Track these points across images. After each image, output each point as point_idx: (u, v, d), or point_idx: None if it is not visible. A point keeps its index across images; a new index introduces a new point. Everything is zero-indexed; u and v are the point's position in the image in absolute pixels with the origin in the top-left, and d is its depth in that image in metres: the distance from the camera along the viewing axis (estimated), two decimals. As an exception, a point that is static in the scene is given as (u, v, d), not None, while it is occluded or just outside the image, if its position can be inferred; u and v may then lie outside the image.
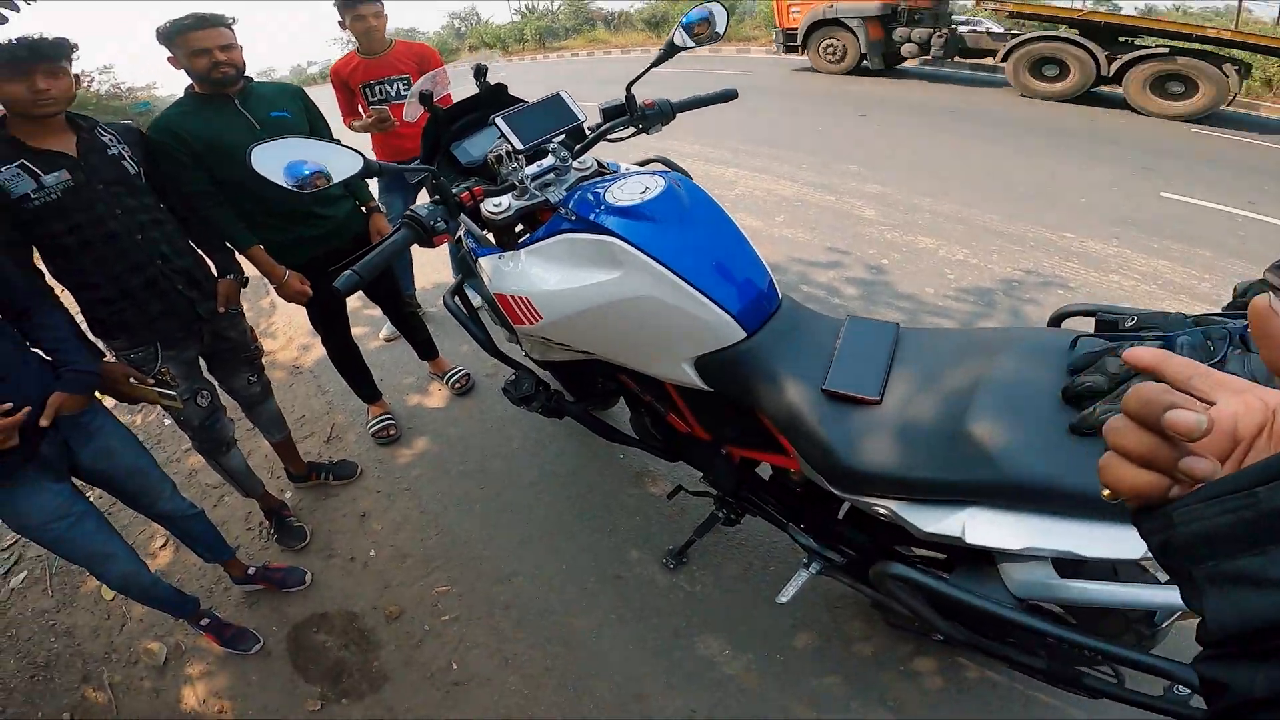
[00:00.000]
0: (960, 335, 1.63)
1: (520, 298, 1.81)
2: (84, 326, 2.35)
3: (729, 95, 2.31)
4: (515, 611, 2.61)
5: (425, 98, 2.22)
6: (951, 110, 9.57)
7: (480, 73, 2.28)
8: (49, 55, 2.07)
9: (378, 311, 3.97)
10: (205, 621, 2.67)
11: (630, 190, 1.68)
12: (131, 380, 2.32)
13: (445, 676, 2.47)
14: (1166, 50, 9.87)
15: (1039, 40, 11.02)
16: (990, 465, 1.27)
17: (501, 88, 2.35)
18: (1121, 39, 10.61)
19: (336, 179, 1.51)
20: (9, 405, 1.83)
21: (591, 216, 1.67)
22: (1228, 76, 9.32)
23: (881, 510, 1.47)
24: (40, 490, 2.04)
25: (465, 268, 2.23)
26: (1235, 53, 9.92)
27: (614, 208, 1.65)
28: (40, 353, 2.09)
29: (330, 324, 3.29)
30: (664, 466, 2.99)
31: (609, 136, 2.18)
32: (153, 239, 2.39)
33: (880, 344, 1.62)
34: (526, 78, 19.56)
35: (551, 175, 1.97)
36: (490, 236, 1.95)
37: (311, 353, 4.63)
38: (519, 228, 2.02)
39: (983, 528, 1.30)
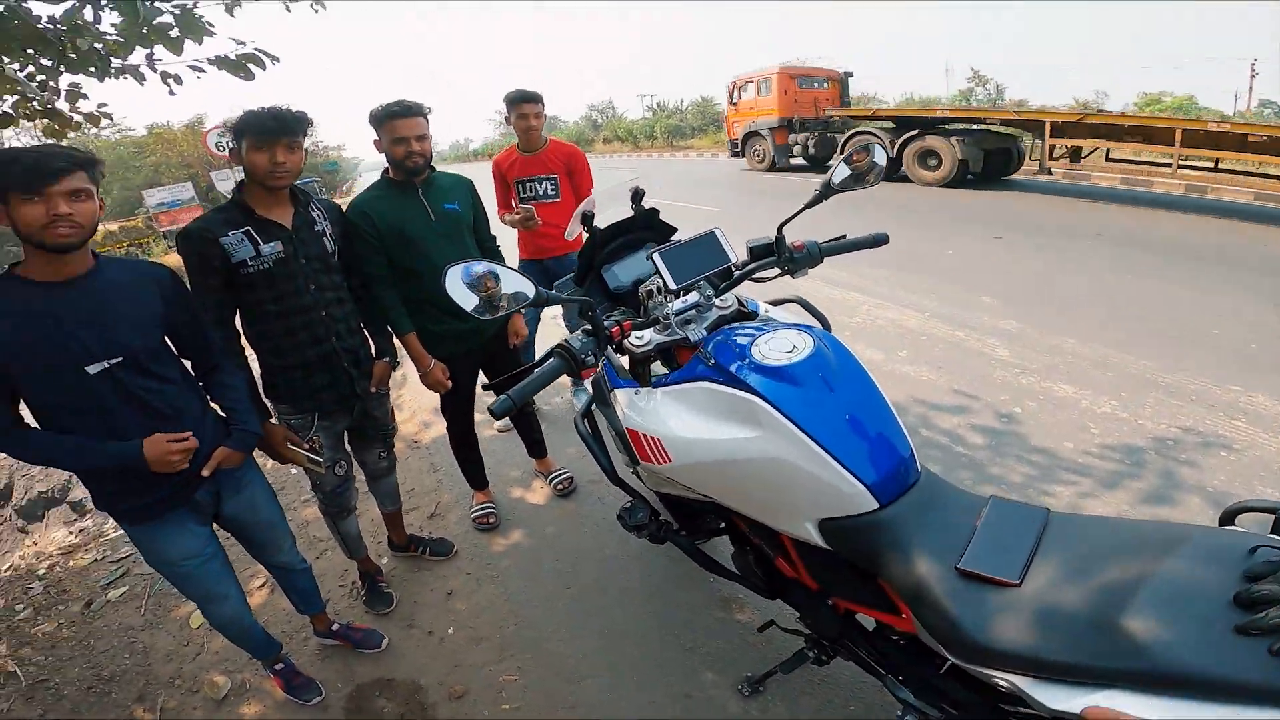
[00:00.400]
0: (1119, 526, 1.48)
1: (652, 438, 1.82)
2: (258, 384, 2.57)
3: (880, 240, 2.26)
4: (579, 711, 2.47)
5: (586, 219, 2.34)
6: (1064, 228, 8.78)
7: (637, 197, 2.40)
8: (292, 130, 2.32)
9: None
10: (279, 666, 2.69)
11: (777, 348, 1.67)
12: (289, 444, 2.53)
13: (494, 765, 2.35)
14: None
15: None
16: (1142, 655, 1.15)
17: (655, 212, 2.46)
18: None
19: (504, 290, 1.61)
20: (189, 434, 2.02)
21: (734, 369, 1.67)
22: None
23: (1002, 682, 1.33)
24: (183, 531, 2.18)
25: (598, 393, 2.25)
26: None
27: (759, 365, 1.63)
28: (216, 407, 2.29)
29: (457, 412, 3.41)
30: (754, 597, 2.84)
31: (753, 276, 2.22)
32: (334, 317, 2.59)
33: (1026, 528, 1.49)
34: (653, 174, 20.52)
35: (693, 312, 2.01)
36: (625, 365, 2.01)
37: (431, 430, 4.80)
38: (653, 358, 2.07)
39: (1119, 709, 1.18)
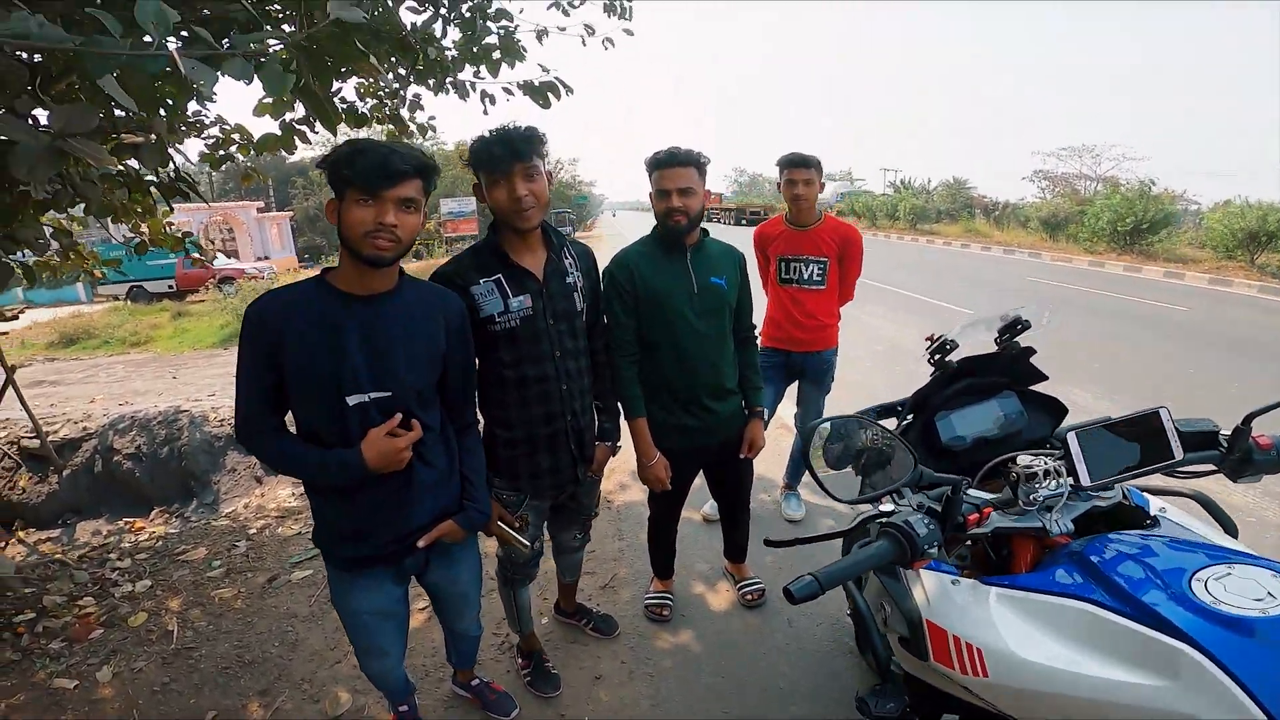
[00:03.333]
0: None
1: (967, 644, 1.42)
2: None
3: None
4: None
5: (945, 348, 2.00)
6: None
7: (1015, 327, 1.97)
8: (524, 153, 2.04)
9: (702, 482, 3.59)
10: (403, 709, 2.48)
11: (1238, 589, 1.22)
12: (499, 522, 2.29)
13: None
14: None
15: None
16: None
17: (1028, 353, 2.00)
18: None
19: (893, 480, 1.47)
20: (398, 417, 1.81)
21: (1149, 601, 1.24)
22: None
23: None
24: (378, 589, 2.02)
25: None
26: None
27: (1201, 606, 1.20)
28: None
29: (665, 505, 3.06)
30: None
31: (1179, 472, 1.68)
32: (572, 392, 2.34)
33: None
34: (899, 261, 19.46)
35: (1058, 497, 1.56)
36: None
37: (627, 494, 4.51)
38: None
39: None
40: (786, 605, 3.21)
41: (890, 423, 2.10)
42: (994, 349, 2.03)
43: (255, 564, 3.85)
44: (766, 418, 3.47)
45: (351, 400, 1.75)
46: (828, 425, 1.46)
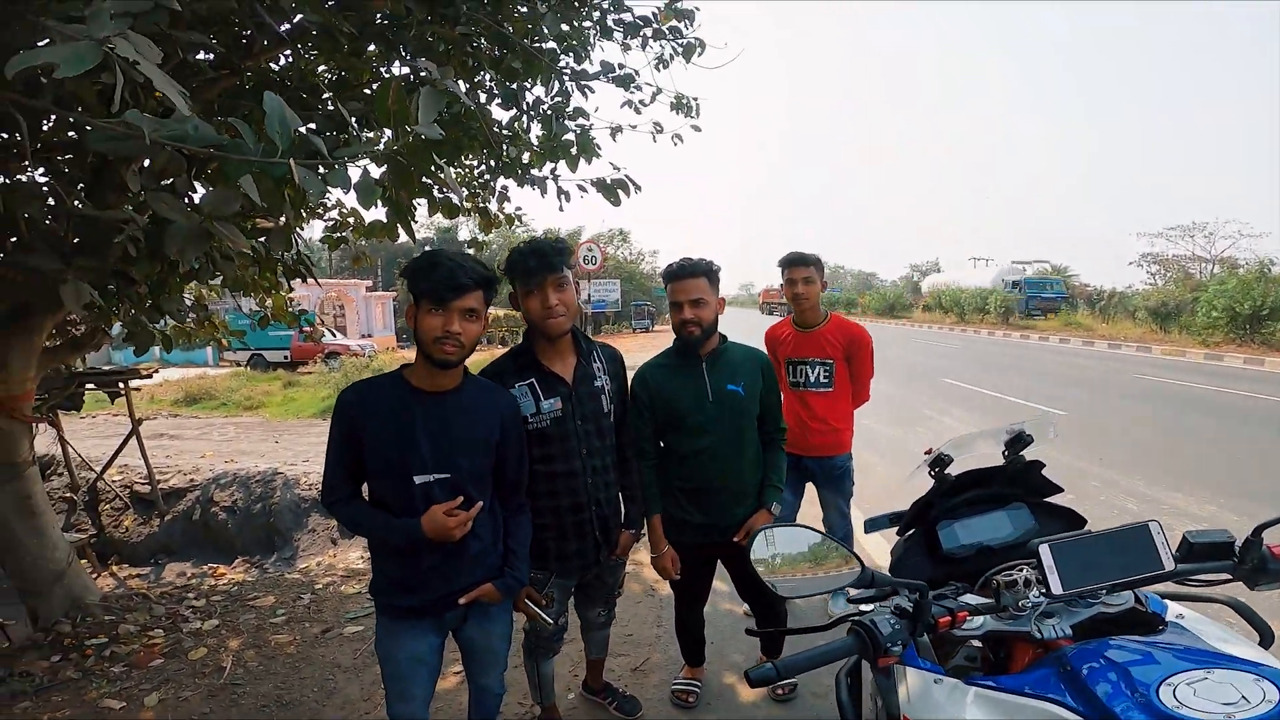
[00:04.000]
0: None
1: None
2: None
3: None
4: None
5: (940, 462, 2.00)
6: None
7: (1020, 441, 1.97)
8: (555, 265, 2.27)
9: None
10: None
11: (1209, 694, 1.17)
12: (526, 599, 2.46)
13: None
14: None
15: None
16: None
17: (1035, 466, 2.00)
18: None
19: (830, 583, 1.50)
20: (460, 500, 2.05)
21: (1116, 707, 1.20)
22: None
23: None
24: (418, 638, 2.21)
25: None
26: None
27: (1161, 711, 1.16)
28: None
29: (685, 597, 3.12)
30: None
31: (1187, 580, 1.65)
32: (598, 484, 2.51)
33: None
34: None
35: (1040, 603, 1.56)
36: (928, 641, 1.63)
37: None
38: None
39: None
40: (816, 702, 3.24)
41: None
42: (1001, 462, 2.02)
43: (314, 615, 4.05)
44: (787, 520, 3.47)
45: (418, 480, 2.03)
46: (773, 530, 1.51)
